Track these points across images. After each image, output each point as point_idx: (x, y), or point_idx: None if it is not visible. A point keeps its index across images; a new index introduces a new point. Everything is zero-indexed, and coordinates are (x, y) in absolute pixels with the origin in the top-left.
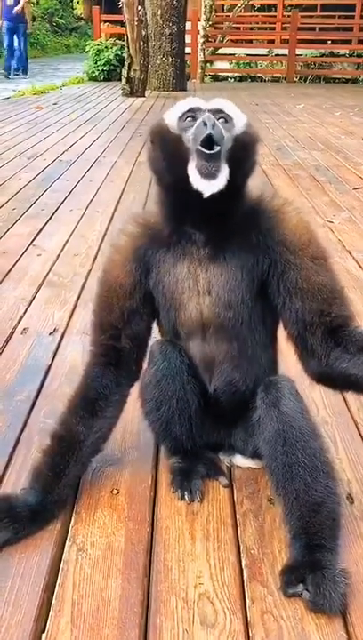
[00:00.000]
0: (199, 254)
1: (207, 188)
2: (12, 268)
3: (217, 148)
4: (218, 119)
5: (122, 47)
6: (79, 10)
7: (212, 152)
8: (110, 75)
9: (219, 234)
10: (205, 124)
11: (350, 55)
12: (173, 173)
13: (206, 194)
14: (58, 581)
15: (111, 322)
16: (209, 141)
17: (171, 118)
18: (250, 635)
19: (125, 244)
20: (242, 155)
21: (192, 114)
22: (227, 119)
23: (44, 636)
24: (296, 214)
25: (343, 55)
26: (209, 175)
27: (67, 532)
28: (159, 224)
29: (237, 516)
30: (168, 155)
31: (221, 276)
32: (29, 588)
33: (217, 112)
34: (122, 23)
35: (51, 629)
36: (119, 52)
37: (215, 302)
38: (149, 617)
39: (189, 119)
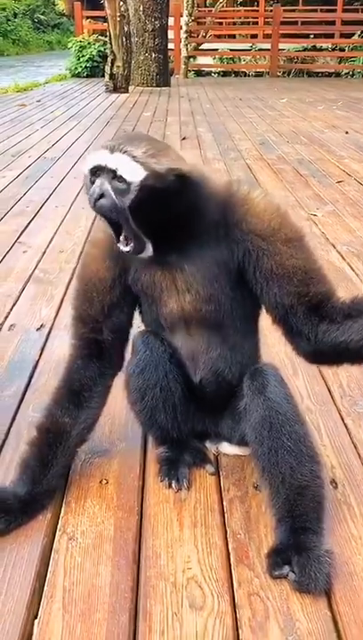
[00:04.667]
0: (172, 258)
1: (125, 249)
2: None
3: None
4: (113, 178)
5: (104, 43)
6: (61, 6)
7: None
8: (93, 71)
9: (186, 240)
10: (93, 197)
11: (333, 49)
12: None
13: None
14: (49, 569)
15: (92, 315)
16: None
17: (85, 171)
18: (237, 616)
19: (103, 239)
20: (151, 209)
21: (96, 172)
22: (120, 180)
23: (36, 622)
24: (263, 199)
25: (326, 49)
26: (120, 242)
27: (57, 522)
28: None
29: (224, 503)
30: None
31: (198, 273)
32: (21, 577)
33: (111, 173)
34: (104, 19)
35: (43, 615)
36: (102, 49)
37: (196, 298)
38: (139, 601)
39: (94, 177)
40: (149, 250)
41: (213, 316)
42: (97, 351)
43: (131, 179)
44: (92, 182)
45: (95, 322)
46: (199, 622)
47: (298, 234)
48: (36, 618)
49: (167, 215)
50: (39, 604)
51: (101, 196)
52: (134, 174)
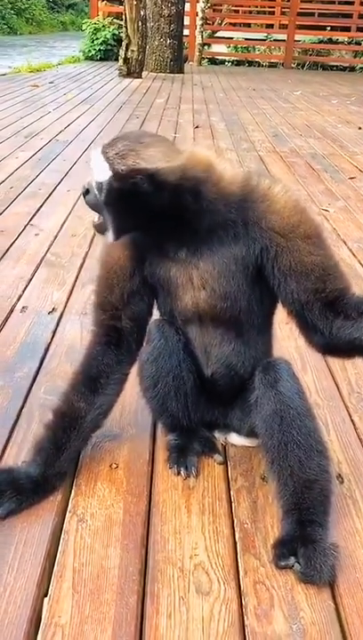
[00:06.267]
0: (187, 255)
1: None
2: (10, 246)
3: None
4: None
5: (120, 27)
6: None
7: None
8: (107, 54)
9: (194, 238)
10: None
11: (349, 43)
12: None
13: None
14: (59, 549)
15: (112, 302)
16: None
17: None
18: (243, 603)
19: None
20: (125, 207)
21: None
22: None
23: (46, 599)
24: (283, 195)
25: (342, 42)
26: (98, 230)
27: (67, 504)
28: None
29: (232, 492)
30: None
31: (214, 270)
32: (32, 555)
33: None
34: (120, 2)
35: (53, 594)
36: (117, 32)
37: (211, 295)
38: (147, 584)
39: None
40: (108, 229)
41: (228, 312)
42: (116, 339)
43: (100, 178)
44: None
45: (115, 309)
46: (206, 607)
47: (317, 230)
48: (46, 596)
49: (149, 214)
50: (49, 583)
51: (88, 191)
52: (102, 174)
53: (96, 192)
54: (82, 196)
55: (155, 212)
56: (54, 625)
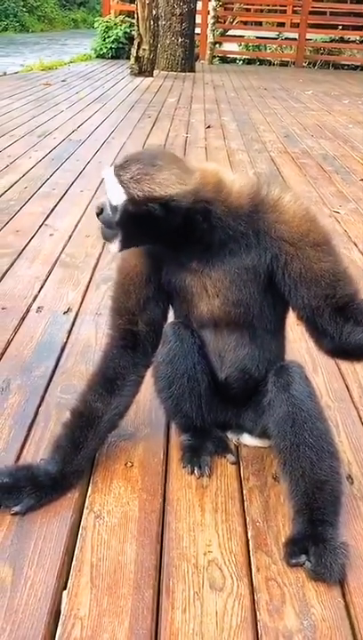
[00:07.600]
0: (198, 265)
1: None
2: (25, 246)
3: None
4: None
5: (131, 25)
6: None
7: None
8: (118, 53)
9: (205, 250)
10: (96, 211)
11: (361, 42)
12: None
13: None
14: (77, 545)
15: (128, 307)
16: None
17: None
18: (255, 598)
19: None
20: (138, 229)
21: None
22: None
23: (65, 592)
24: (293, 204)
25: (353, 41)
26: (105, 238)
27: (84, 501)
28: None
29: (244, 491)
30: None
31: (226, 279)
32: (51, 550)
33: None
34: (132, 0)
35: (72, 587)
36: (128, 30)
37: (224, 302)
38: (162, 580)
39: None
40: (116, 243)
41: (242, 318)
42: (132, 342)
43: (115, 202)
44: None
45: (131, 314)
46: (219, 602)
47: (326, 237)
48: (65, 589)
49: (161, 233)
50: (68, 577)
51: (102, 210)
52: (117, 198)
53: (110, 212)
54: (95, 200)
55: (166, 232)
56: (73, 617)
